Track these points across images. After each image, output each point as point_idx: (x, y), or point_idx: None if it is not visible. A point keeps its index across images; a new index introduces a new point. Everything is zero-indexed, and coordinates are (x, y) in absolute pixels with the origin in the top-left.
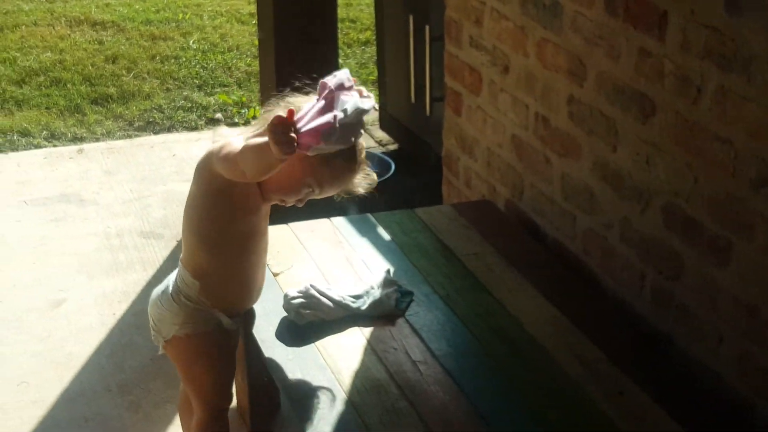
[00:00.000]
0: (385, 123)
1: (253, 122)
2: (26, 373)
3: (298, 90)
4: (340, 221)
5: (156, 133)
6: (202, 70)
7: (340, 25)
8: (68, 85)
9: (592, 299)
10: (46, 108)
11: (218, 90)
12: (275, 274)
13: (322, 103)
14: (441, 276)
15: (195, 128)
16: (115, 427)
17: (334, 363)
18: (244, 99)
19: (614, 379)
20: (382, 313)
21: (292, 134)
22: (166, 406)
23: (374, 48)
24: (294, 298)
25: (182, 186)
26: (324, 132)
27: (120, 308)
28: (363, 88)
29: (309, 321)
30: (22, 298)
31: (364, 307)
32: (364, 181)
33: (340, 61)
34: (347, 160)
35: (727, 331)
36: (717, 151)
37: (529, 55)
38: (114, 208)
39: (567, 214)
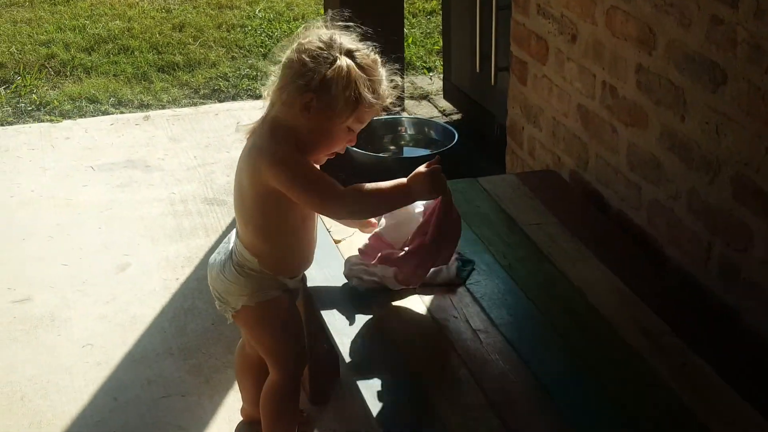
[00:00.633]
0: (449, 93)
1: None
2: (91, 336)
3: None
4: None
5: (221, 101)
6: (267, 38)
7: None
8: (136, 53)
9: (657, 271)
10: (114, 75)
11: None
12: (337, 241)
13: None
14: (503, 245)
15: (259, 96)
16: (177, 389)
17: (393, 330)
18: None
19: (678, 352)
20: (443, 282)
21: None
22: (227, 371)
23: (439, 17)
24: (356, 264)
25: None
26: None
27: (183, 273)
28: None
29: (370, 288)
30: (88, 262)
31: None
32: (391, 90)
33: (405, 30)
34: (372, 88)
35: None
36: None
37: (598, 23)
38: (178, 174)
39: (632, 185)
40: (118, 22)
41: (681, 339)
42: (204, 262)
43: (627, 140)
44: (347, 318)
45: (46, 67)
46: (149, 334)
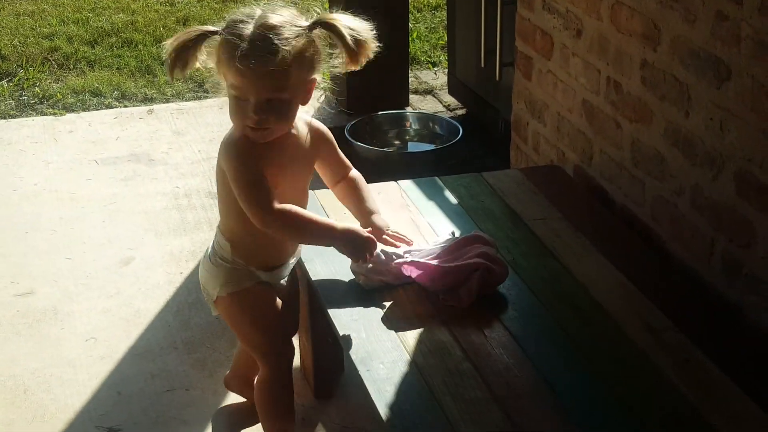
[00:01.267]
0: (453, 88)
1: None
2: (95, 329)
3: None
4: (407, 184)
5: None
6: None
7: None
8: (139, 46)
9: (660, 266)
10: (118, 68)
11: None
12: None
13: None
14: (507, 240)
15: None
16: (181, 383)
17: (398, 324)
18: None
19: (681, 348)
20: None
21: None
22: (231, 365)
23: (444, 12)
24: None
25: None
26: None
27: (187, 267)
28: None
29: (375, 286)
30: (92, 255)
31: None
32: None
33: (410, 25)
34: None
35: None
36: None
37: (603, 18)
38: (182, 168)
39: (636, 181)
40: (121, 15)
41: (684, 334)
42: None
43: (631, 136)
44: (352, 312)
45: (49, 60)
46: (153, 328)
